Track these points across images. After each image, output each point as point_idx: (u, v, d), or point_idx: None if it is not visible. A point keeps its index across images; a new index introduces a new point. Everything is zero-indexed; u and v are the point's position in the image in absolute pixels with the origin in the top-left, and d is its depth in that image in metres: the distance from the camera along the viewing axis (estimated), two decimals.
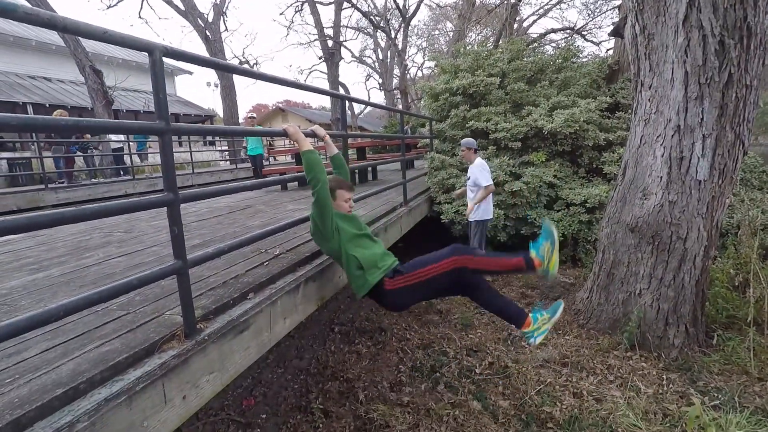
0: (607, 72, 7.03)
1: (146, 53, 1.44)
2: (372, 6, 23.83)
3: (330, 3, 19.05)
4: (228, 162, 16.16)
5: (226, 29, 20.77)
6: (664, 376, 2.99)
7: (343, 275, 2.63)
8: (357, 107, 28.59)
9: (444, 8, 24.52)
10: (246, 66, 17.80)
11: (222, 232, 3.18)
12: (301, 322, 2.32)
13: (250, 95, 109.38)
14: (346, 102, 4.73)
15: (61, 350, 1.40)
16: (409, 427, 2.66)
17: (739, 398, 2.68)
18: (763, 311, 3.23)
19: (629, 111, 5.51)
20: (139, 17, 20.19)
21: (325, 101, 35.27)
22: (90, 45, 11.14)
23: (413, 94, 25.17)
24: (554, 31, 18.64)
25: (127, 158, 10.60)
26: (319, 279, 2.44)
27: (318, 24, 18.37)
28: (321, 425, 2.78)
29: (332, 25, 19.09)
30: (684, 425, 2.43)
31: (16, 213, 6.87)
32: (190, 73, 21.02)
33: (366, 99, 18.04)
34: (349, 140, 4.47)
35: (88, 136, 9.39)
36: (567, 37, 17.64)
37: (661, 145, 3.24)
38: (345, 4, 19.30)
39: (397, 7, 20.93)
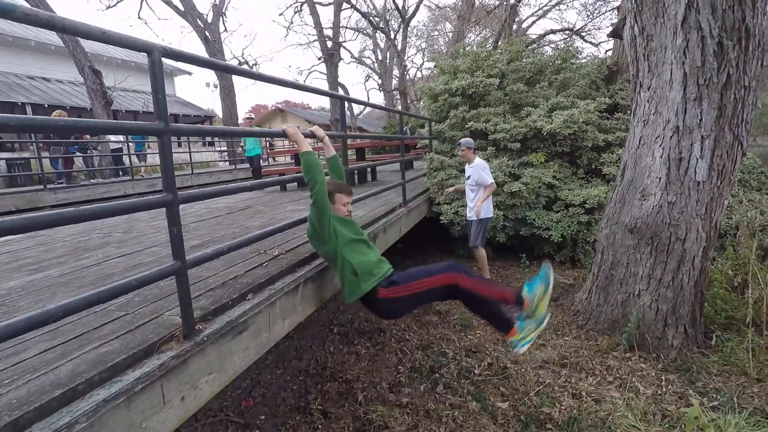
0: (606, 73, 7.04)
1: (145, 54, 1.44)
2: (371, 7, 23.88)
3: (329, 4, 19.07)
4: (227, 162, 16.16)
5: (226, 30, 20.79)
6: (663, 377, 2.99)
7: None
8: (356, 108, 28.65)
9: (443, 9, 24.56)
10: (245, 66, 17.81)
11: (221, 232, 3.18)
12: (300, 323, 2.32)
13: (249, 96, 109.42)
14: (346, 103, 4.73)
15: (60, 351, 1.40)
16: (408, 428, 2.66)
17: (737, 399, 2.68)
18: (762, 312, 3.24)
19: (628, 112, 5.53)
20: (139, 18, 20.11)
21: (325, 102, 35.32)
22: (89, 45, 11.13)
23: (412, 95, 25.21)
24: (553, 32, 18.69)
25: (126, 159, 10.60)
26: (318, 280, 2.44)
27: (317, 25, 18.38)
28: (320, 426, 2.78)
29: (331, 25, 19.11)
30: (683, 426, 2.43)
31: (15, 213, 6.86)
32: (190, 73, 21.03)
33: (365, 100, 18.09)
34: (349, 141, 4.47)
35: (87, 136, 9.39)
36: (566, 38, 17.69)
37: (660, 146, 3.24)
38: (344, 5, 19.31)
39: (397, 7, 20.96)
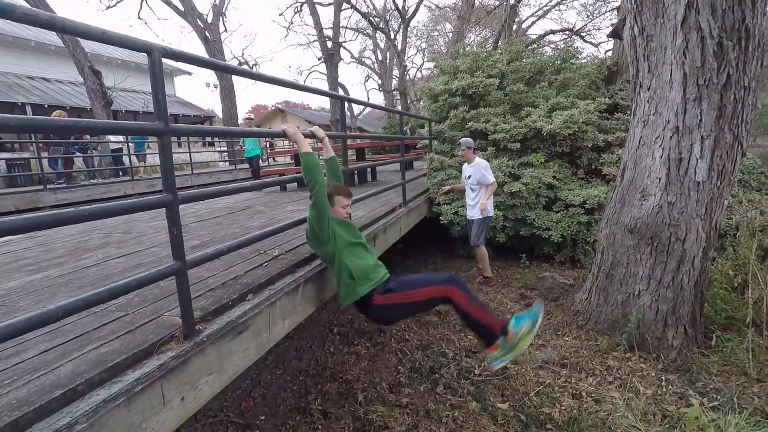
0: (606, 73, 7.04)
1: (145, 54, 1.44)
2: (371, 7, 23.90)
3: (329, 4, 19.08)
4: (227, 163, 16.16)
5: (226, 30, 20.79)
6: (663, 377, 2.99)
7: None
8: (356, 108, 28.65)
9: (443, 9, 24.58)
10: (245, 67, 17.80)
11: (221, 233, 3.18)
12: (301, 323, 2.32)
13: (249, 96, 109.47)
14: (346, 103, 4.74)
15: (60, 351, 1.40)
16: (408, 428, 2.66)
17: (737, 399, 2.68)
18: (762, 312, 3.23)
19: (628, 112, 5.53)
20: (139, 18, 20.07)
21: (325, 102, 35.34)
22: (89, 45, 11.13)
23: (412, 95, 25.22)
24: (553, 32, 18.71)
25: (126, 159, 10.60)
26: (319, 280, 2.44)
27: (317, 25, 18.38)
28: (320, 426, 2.78)
29: (332, 26, 19.11)
30: (683, 426, 2.43)
31: (15, 214, 6.86)
32: (190, 73, 21.02)
33: (365, 100, 18.09)
34: (349, 141, 4.47)
35: (87, 136, 9.39)
36: (566, 39, 17.70)
37: (659, 146, 3.24)
38: (344, 5, 19.32)
39: (397, 8, 20.98)
